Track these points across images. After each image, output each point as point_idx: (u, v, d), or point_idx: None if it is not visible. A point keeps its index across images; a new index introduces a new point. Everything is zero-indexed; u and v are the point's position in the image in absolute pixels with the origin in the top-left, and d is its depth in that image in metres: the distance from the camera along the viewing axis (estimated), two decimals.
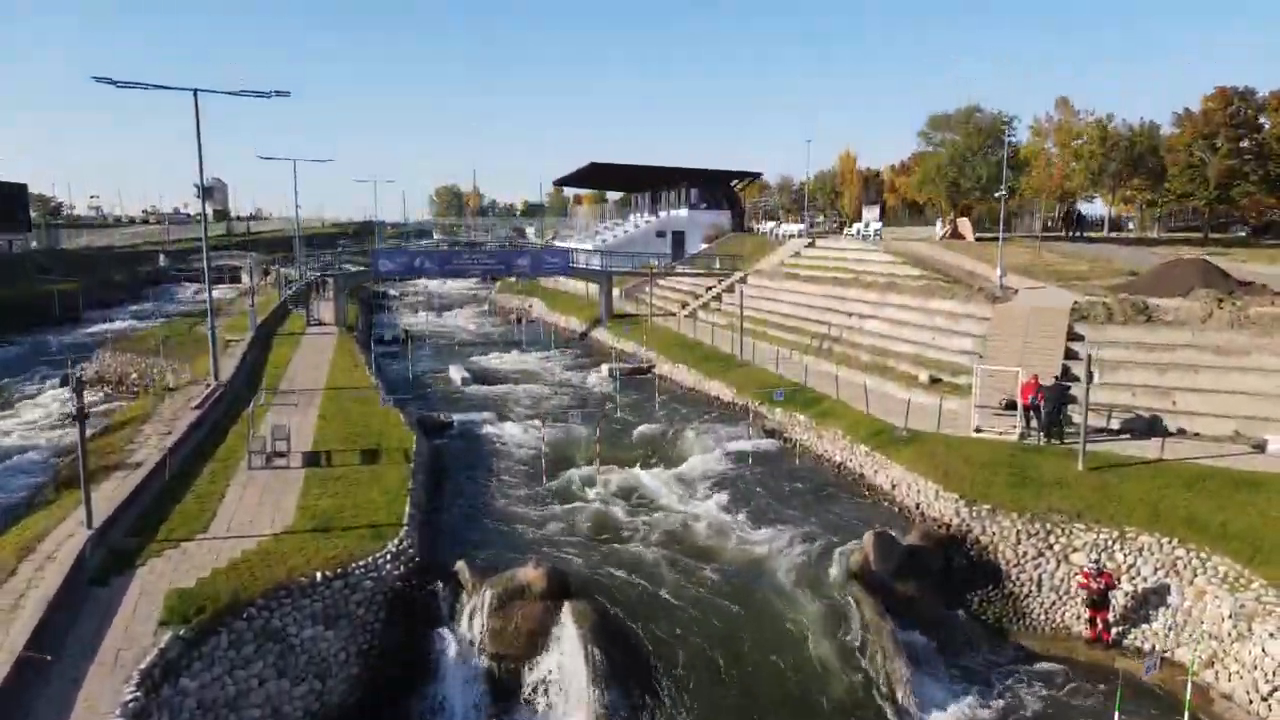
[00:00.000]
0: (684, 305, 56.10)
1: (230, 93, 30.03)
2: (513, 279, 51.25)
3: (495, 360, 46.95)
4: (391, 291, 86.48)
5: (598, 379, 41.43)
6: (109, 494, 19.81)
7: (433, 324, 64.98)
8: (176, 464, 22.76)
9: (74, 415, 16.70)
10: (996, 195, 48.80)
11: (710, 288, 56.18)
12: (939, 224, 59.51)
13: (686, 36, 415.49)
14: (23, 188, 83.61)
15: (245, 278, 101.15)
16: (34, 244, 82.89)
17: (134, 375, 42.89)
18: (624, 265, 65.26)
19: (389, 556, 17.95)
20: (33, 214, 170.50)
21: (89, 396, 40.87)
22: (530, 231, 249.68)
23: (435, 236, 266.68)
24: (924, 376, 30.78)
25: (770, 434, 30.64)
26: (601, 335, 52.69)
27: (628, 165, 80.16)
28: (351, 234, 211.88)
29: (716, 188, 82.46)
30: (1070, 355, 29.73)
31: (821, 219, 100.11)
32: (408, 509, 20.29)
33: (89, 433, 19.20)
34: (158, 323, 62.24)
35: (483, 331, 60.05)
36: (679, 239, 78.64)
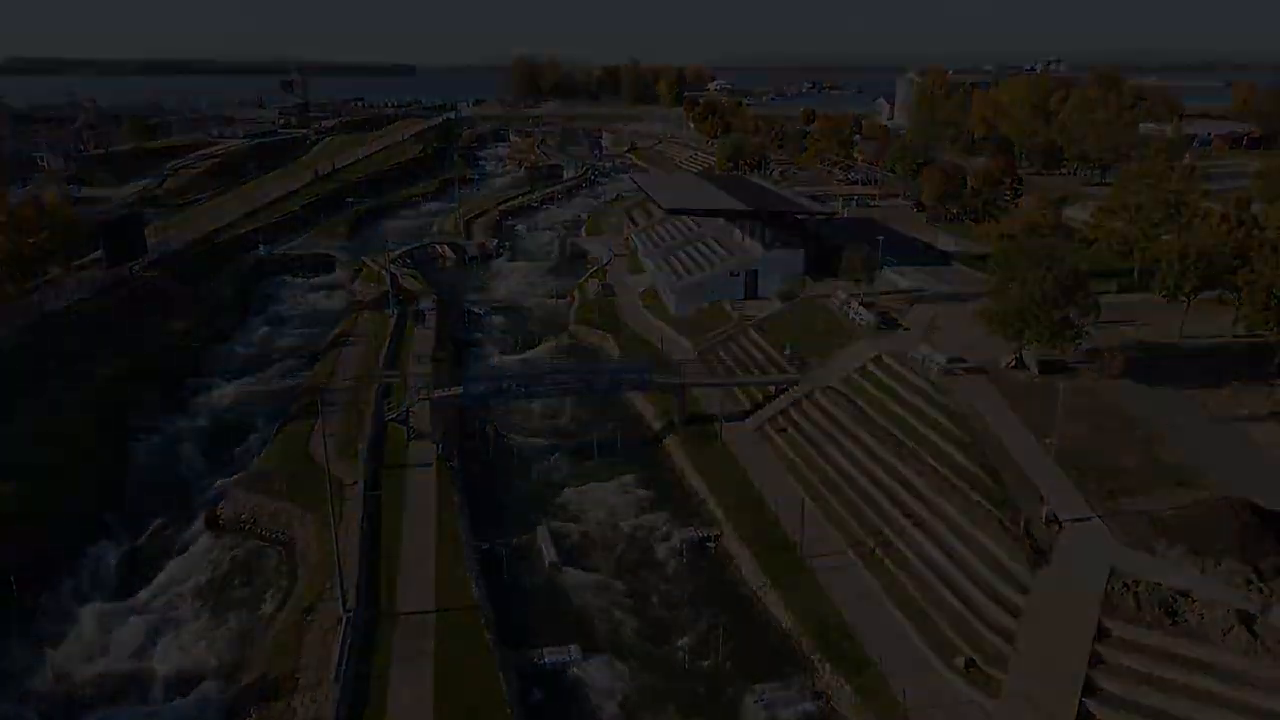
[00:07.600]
0: (755, 408, 59.47)
1: None
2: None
3: (574, 498, 51.78)
4: (477, 310, 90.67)
5: (669, 551, 46.28)
6: None
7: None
8: None
9: None
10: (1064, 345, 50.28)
11: (782, 390, 59.45)
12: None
13: None
14: (139, 216, 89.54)
15: (338, 270, 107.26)
16: (150, 243, 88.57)
17: (266, 518, 49.29)
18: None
19: None
20: (129, 145, 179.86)
21: (229, 543, 47.60)
22: (606, 139, 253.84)
23: (511, 138, 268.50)
24: (961, 660, 34.52)
25: (819, 696, 35.29)
26: (675, 452, 56.70)
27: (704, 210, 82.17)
28: (432, 154, 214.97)
29: (790, 225, 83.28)
30: (1095, 660, 33.02)
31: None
32: None
33: None
34: (278, 384, 68.44)
35: (562, 420, 63.81)
36: (752, 279, 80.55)
